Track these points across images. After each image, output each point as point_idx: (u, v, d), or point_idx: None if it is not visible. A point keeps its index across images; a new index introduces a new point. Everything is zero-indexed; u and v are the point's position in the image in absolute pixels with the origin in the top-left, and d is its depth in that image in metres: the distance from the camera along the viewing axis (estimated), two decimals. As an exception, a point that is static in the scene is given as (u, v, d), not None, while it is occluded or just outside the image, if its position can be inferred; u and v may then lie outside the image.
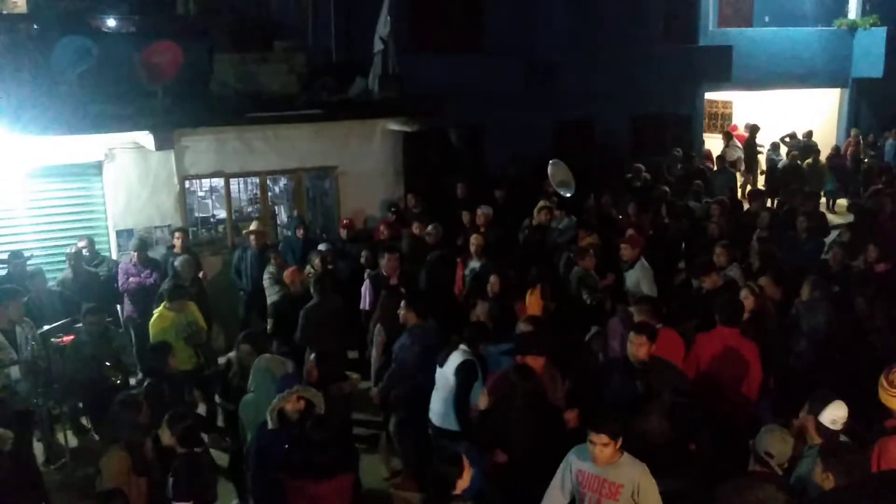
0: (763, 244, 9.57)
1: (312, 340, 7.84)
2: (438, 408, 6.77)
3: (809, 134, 18.55)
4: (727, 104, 21.18)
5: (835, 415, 5.18)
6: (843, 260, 8.97)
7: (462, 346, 6.65)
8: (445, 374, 6.65)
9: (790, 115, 19.70)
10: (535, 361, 6.17)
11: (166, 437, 5.38)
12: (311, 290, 8.33)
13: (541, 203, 11.03)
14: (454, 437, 6.57)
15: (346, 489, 5.40)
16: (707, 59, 17.07)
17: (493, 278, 8.26)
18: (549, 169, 12.71)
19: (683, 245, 10.87)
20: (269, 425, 5.64)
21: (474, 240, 9.63)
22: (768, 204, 13.33)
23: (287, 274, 8.92)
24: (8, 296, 7.52)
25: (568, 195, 12.27)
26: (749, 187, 17.53)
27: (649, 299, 7.33)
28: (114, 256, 10.34)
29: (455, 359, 6.61)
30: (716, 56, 17.02)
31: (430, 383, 6.86)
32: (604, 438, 4.86)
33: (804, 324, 7.49)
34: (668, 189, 12.67)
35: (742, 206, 12.44)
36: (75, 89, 9.89)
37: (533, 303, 8.17)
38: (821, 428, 5.17)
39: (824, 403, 5.20)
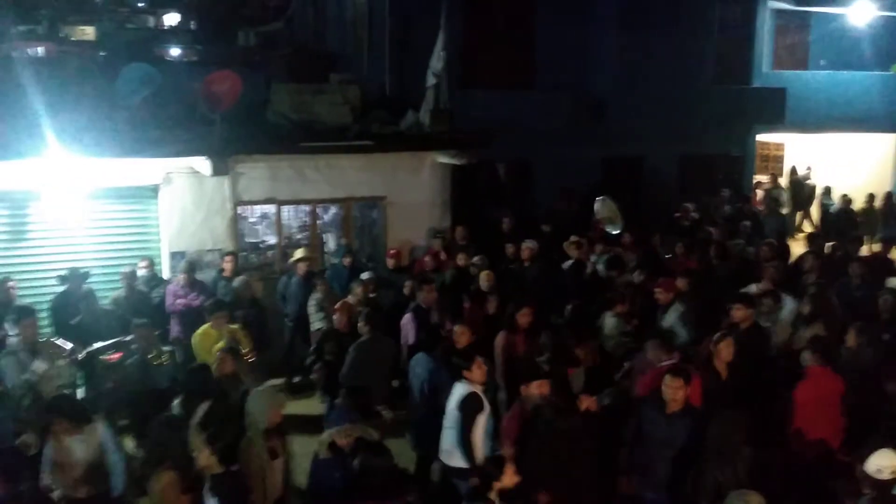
0: (815, 289, 9.39)
1: (359, 379, 7.68)
2: (446, 446, 6.64)
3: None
4: (779, 146, 20.94)
5: (880, 463, 5.06)
6: (893, 307, 8.77)
7: (465, 378, 6.54)
8: (451, 410, 6.56)
9: (844, 159, 19.41)
10: (538, 387, 6.15)
11: (204, 457, 5.40)
12: (360, 326, 8.13)
13: (571, 238, 10.99)
14: (462, 475, 6.46)
15: None
16: (760, 100, 16.95)
17: (523, 311, 8.16)
18: (596, 206, 12.72)
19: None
20: (321, 455, 5.70)
21: (485, 276, 9.59)
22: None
23: (338, 306, 8.83)
24: (24, 314, 7.62)
25: (615, 232, 12.25)
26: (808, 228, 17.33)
27: (661, 334, 7.26)
28: (166, 278, 10.58)
29: (457, 392, 6.53)
30: (769, 98, 16.88)
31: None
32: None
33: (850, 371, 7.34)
34: (713, 230, 12.54)
35: (789, 250, 12.27)
36: (136, 114, 10.24)
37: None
38: (866, 477, 5.06)
39: (871, 451, 5.10)
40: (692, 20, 16.16)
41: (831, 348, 7.19)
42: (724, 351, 7.01)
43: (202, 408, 6.48)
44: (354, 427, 5.80)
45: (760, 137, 18.68)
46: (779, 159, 20.62)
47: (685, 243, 11.31)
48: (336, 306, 8.86)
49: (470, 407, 6.41)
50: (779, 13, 18.53)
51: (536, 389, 6.14)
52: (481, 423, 6.47)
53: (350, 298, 9.35)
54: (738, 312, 8.01)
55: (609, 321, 8.62)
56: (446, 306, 9.06)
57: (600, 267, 10.68)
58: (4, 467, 5.18)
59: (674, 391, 5.99)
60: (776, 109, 16.74)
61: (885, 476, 5.06)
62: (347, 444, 5.69)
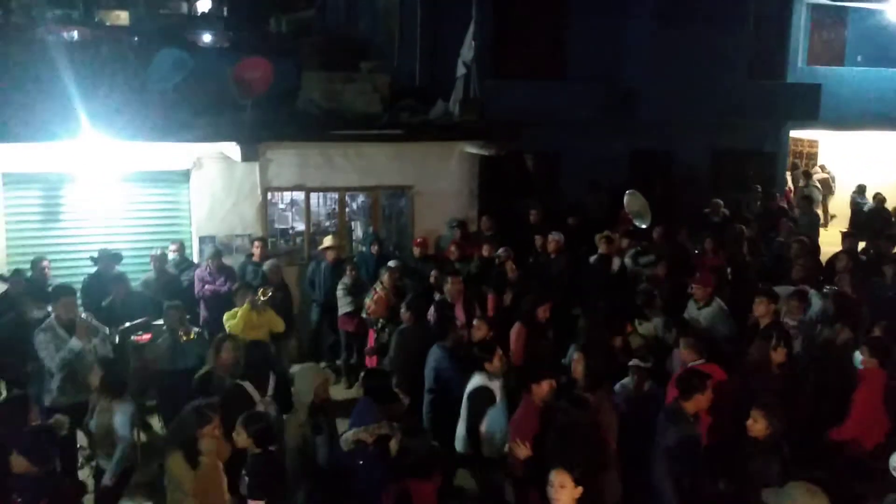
0: (839, 289, 9.27)
1: (404, 365, 7.80)
2: (460, 433, 6.82)
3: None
4: (813, 143, 20.68)
5: None
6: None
7: (484, 369, 6.66)
8: (465, 400, 6.67)
9: (879, 157, 19.12)
10: (548, 385, 6.10)
11: (242, 438, 5.48)
12: (402, 313, 8.24)
13: (604, 232, 10.93)
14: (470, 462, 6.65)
15: None
16: (794, 96, 16.70)
17: (544, 306, 8.14)
18: (625, 199, 12.63)
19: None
20: (344, 448, 5.76)
21: (509, 268, 9.64)
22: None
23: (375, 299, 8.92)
24: (63, 292, 7.67)
25: (643, 226, 12.16)
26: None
27: (694, 333, 7.20)
28: (196, 261, 10.68)
29: (472, 383, 6.63)
30: (803, 94, 16.64)
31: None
32: (564, 478, 4.70)
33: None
34: (744, 227, 12.41)
35: (820, 249, 12.12)
36: (168, 99, 10.34)
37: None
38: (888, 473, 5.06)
39: None
40: (726, 13, 15.94)
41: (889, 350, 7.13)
42: (779, 353, 7.06)
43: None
44: (381, 425, 5.86)
45: (794, 134, 18.44)
46: (812, 156, 20.41)
47: (714, 239, 11.21)
48: (373, 301, 8.93)
49: (478, 400, 6.51)
50: (815, 8, 18.26)
51: (547, 387, 6.11)
52: (493, 416, 6.52)
53: (378, 286, 9.40)
54: (760, 307, 7.91)
55: (657, 321, 8.49)
56: (470, 300, 9.03)
57: (628, 261, 10.63)
58: (35, 448, 5.26)
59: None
60: (810, 106, 16.50)
61: None
62: (372, 440, 5.78)
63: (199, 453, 5.60)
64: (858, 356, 6.97)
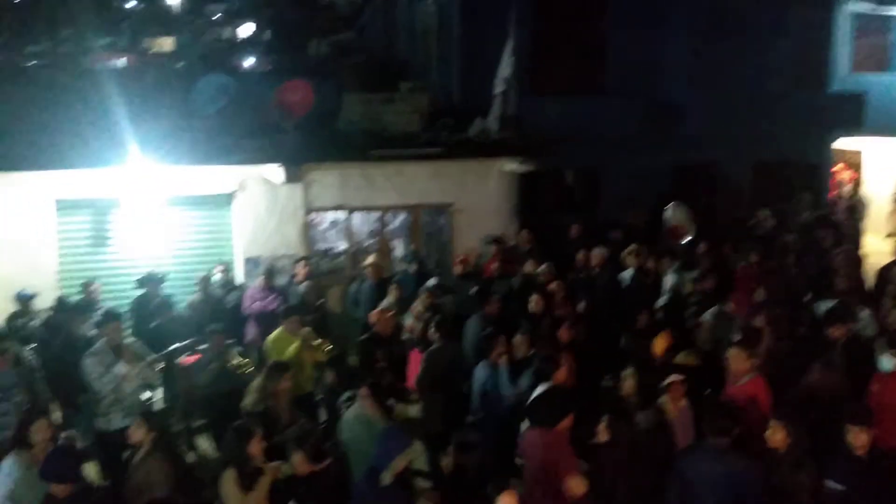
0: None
1: (435, 386, 7.77)
2: None
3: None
4: (856, 153, 20.26)
5: None
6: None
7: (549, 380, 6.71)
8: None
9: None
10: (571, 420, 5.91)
11: (298, 459, 5.42)
12: (431, 334, 8.22)
13: (631, 246, 10.79)
14: None
15: None
16: (837, 105, 16.46)
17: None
18: (668, 212, 12.53)
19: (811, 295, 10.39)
20: (385, 482, 5.75)
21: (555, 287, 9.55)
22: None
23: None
24: (109, 317, 7.78)
25: (686, 240, 12.04)
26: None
27: (741, 341, 7.05)
28: (241, 283, 10.82)
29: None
30: (846, 103, 16.39)
31: None
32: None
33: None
34: (792, 238, 12.19)
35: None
36: (213, 123, 10.56)
37: (659, 344, 7.95)
38: None
39: None
40: (766, 24, 15.79)
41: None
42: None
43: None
44: (411, 448, 5.79)
45: (837, 143, 18.12)
46: (855, 166, 20.00)
47: (760, 251, 11.02)
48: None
49: None
50: (858, 16, 17.97)
51: (570, 421, 5.95)
52: None
53: (416, 305, 9.42)
54: (837, 332, 7.66)
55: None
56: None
57: (671, 278, 10.45)
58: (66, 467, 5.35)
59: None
60: (854, 115, 16.25)
61: None
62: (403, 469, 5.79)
63: (257, 473, 5.55)
64: (890, 360, 6.79)
